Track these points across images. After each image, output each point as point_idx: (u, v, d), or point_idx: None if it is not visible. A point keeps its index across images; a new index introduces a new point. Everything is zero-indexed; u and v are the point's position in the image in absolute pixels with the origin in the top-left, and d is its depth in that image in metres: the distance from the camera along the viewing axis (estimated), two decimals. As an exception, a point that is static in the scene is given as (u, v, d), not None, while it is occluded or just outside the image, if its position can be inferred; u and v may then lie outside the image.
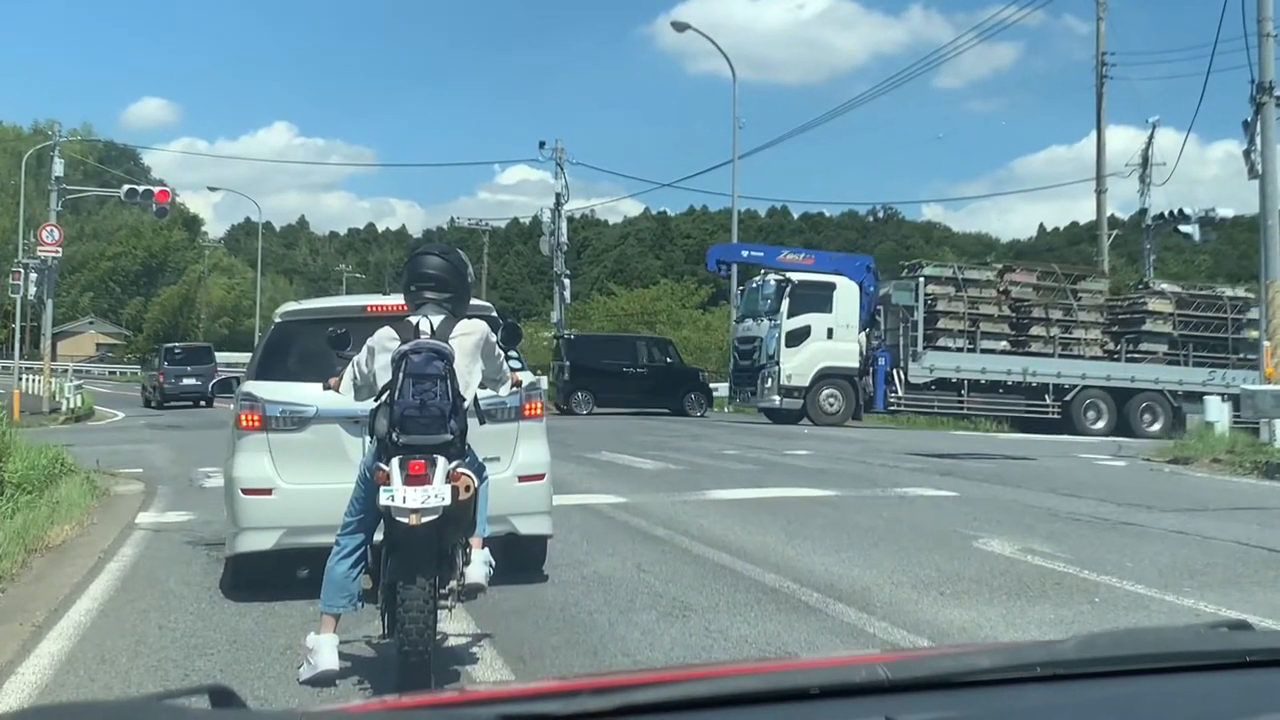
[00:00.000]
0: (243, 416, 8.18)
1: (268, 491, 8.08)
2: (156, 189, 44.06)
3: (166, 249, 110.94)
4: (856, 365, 32.84)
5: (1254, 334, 34.64)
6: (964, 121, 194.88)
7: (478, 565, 6.29)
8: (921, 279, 33.56)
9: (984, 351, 33.49)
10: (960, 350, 33.44)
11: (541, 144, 51.39)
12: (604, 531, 11.43)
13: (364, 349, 6.36)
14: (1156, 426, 33.17)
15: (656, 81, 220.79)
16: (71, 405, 37.81)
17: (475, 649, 6.85)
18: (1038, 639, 6.57)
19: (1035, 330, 34.29)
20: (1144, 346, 34.77)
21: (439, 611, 6.06)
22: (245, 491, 8.11)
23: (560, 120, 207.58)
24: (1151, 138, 40.49)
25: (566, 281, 50.13)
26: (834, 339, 32.70)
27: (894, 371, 33.00)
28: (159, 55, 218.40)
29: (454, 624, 7.08)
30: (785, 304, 32.70)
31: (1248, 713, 1.42)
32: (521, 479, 8.47)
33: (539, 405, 8.74)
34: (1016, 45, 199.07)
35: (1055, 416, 33.28)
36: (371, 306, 8.26)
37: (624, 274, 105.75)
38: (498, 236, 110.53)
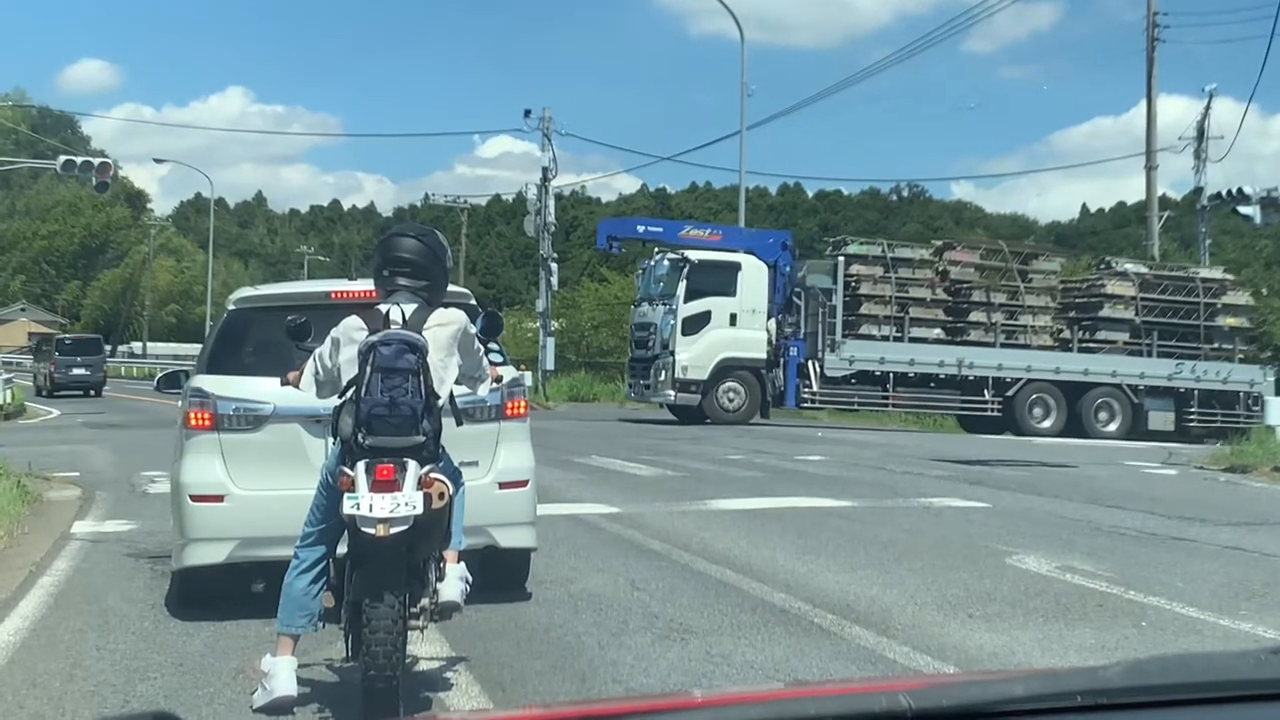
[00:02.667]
0: (191, 414, 8.17)
1: (219, 498, 8.07)
2: (97, 160, 43.99)
3: (108, 228, 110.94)
4: (763, 356, 32.18)
5: (1231, 320, 34.61)
6: (998, 90, 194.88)
7: (452, 581, 6.28)
8: (842, 259, 33.12)
9: (914, 341, 33.09)
10: (886, 339, 32.95)
11: (527, 112, 51.32)
12: (594, 545, 11.43)
13: (327, 340, 6.35)
14: (1113, 426, 32.93)
15: (655, 43, 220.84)
16: (0, 402, 37.79)
17: (449, 674, 6.85)
18: (1078, 665, 6.58)
19: (975, 316, 33.91)
20: (1101, 335, 34.41)
21: (409, 633, 6.06)
22: (194, 498, 8.10)
23: (548, 86, 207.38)
24: (1208, 108, 40.59)
25: (554, 266, 49.98)
26: (738, 326, 31.99)
27: (809, 363, 32.58)
28: (99, 11, 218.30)
29: (426, 646, 7.08)
30: (682, 286, 31.89)
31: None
32: (502, 486, 8.46)
33: (522, 404, 8.74)
34: (1057, 4, 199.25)
35: (995, 414, 33.01)
36: (336, 293, 8.26)
37: (618, 258, 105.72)
38: (477, 215, 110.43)
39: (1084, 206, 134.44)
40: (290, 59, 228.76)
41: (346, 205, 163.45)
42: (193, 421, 8.16)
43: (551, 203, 50.94)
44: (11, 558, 10.62)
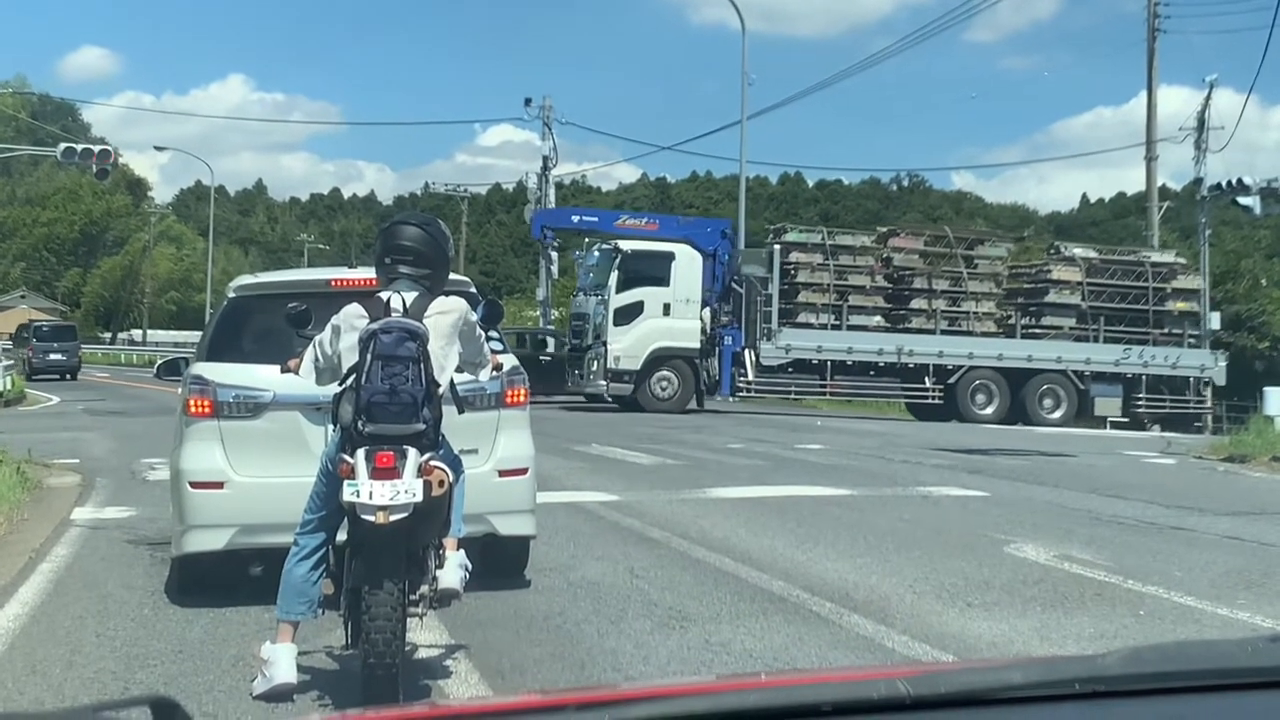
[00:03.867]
0: (191, 402, 8.17)
1: (219, 485, 8.07)
2: (97, 148, 43.88)
3: (108, 215, 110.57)
4: (697, 345, 32.04)
5: (1181, 305, 34.52)
6: (999, 80, 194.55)
7: (452, 569, 6.28)
8: (777, 247, 33.01)
9: (853, 329, 33.07)
10: (824, 327, 32.95)
11: (527, 101, 51.39)
12: (593, 533, 11.44)
13: (328, 328, 6.34)
14: (1058, 413, 32.85)
15: (656, 32, 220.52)
16: (0, 388, 37.76)
17: (448, 661, 6.85)
18: (1076, 654, 6.58)
19: (917, 304, 33.89)
20: (1047, 320, 34.36)
21: (408, 620, 6.06)
22: (194, 485, 8.09)
23: (548, 75, 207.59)
24: (1209, 99, 40.45)
25: (554, 254, 49.96)
26: (671, 316, 31.75)
27: (745, 352, 32.53)
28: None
29: (425, 634, 7.08)
30: (614, 276, 31.74)
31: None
32: (502, 474, 8.46)
33: (522, 392, 8.73)
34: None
35: (937, 401, 32.98)
36: (336, 281, 8.25)
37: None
38: (478, 204, 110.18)
39: (1084, 197, 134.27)
40: (291, 47, 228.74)
41: (347, 194, 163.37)
42: (193, 409, 8.15)
43: (552, 191, 50.99)
44: (11, 544, 10.61)
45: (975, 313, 34.02)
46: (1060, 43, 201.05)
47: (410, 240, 6.33)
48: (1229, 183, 37.59)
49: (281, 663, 6.09)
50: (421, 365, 5.96)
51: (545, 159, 50.57)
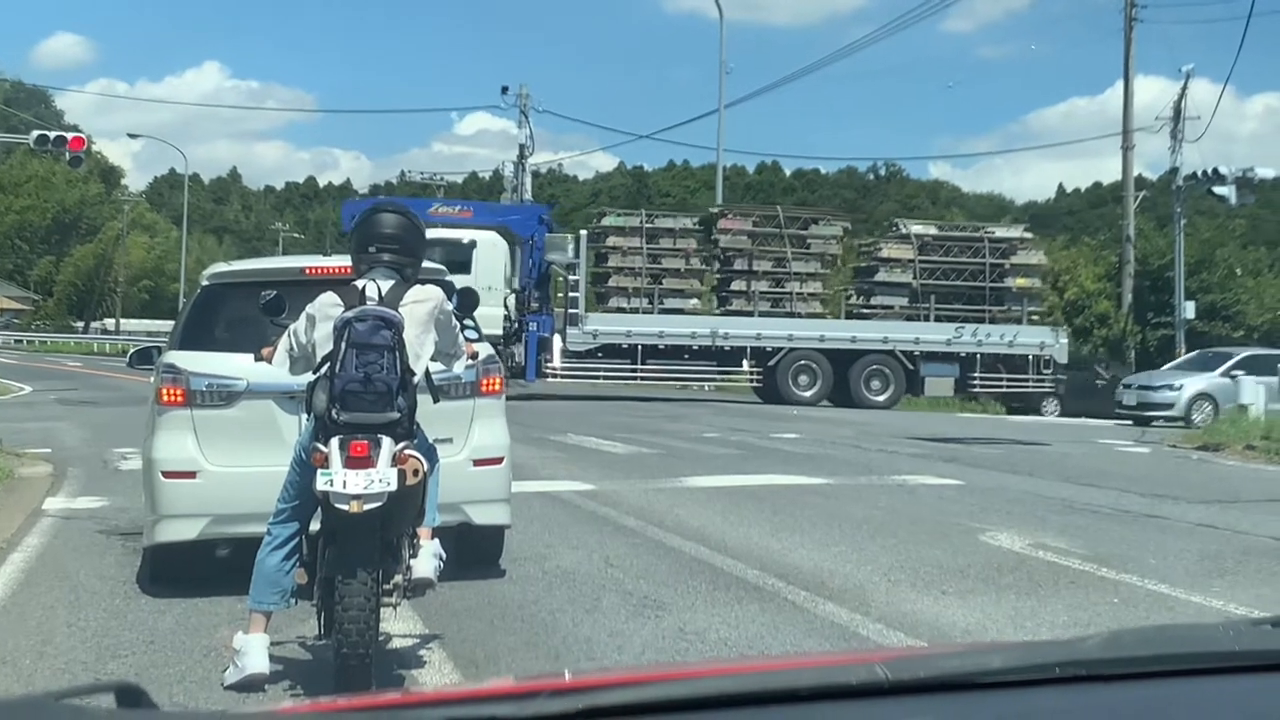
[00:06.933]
0: (164, 390, 8.12)
1: (191, 475, 8.03)
2: (70, 135, 43.38)
3: (81, 203, 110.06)
4: (499, 332, 31.33)
5: (1021, 281, 34.57)
6: (975, 70, 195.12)
7: (426, 558, 6.26)
8: (583, 233, 33.07)
9: (669, 312, 33.03)
10: (635, 311, 32.92)
11: (504, 89, 51.33)
12: (568, 522, 11.43)
13: (302, 316, 6.31)
14: (886, 394, 32.88)
15: (633, 20, 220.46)
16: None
17: (423, 651, 6.83)
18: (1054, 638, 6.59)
19: (737, 285, 33.83)
20: (877, 300, 34.33)
21: (382, 610, 6.03)
22: (166, 474, 8.05)
23: (525, 63, 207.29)
24: (1185, 89, 40.55)
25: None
26: None
27: (554, 337, 32.47)
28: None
29: (399, 623, 7.06)
30: None
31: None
32: (477, 463, 8.45)
33: (498, 381, 8.71)
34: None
35: (757, 384, 32.98)
36: (311, 268, 8.21)
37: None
38: (454, 192, 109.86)
39: (1060, 186, 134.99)
40: (266, 34, 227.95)
41: (322, 182, 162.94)
42: (165, 397, 8.10)
43: (528, 180, 50.87)
44: (-18, 534, 10.55)
45: (800, 294, 33.87)
46: (1036, 32, 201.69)
47: (392, 228, 6.33)
48: (1205, 172, 37.70)
49: (254, 653, 6.06)
50: (396, 353, 5.93)
51: (522, 147, 50.48)
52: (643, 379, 33.15)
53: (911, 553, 10.00)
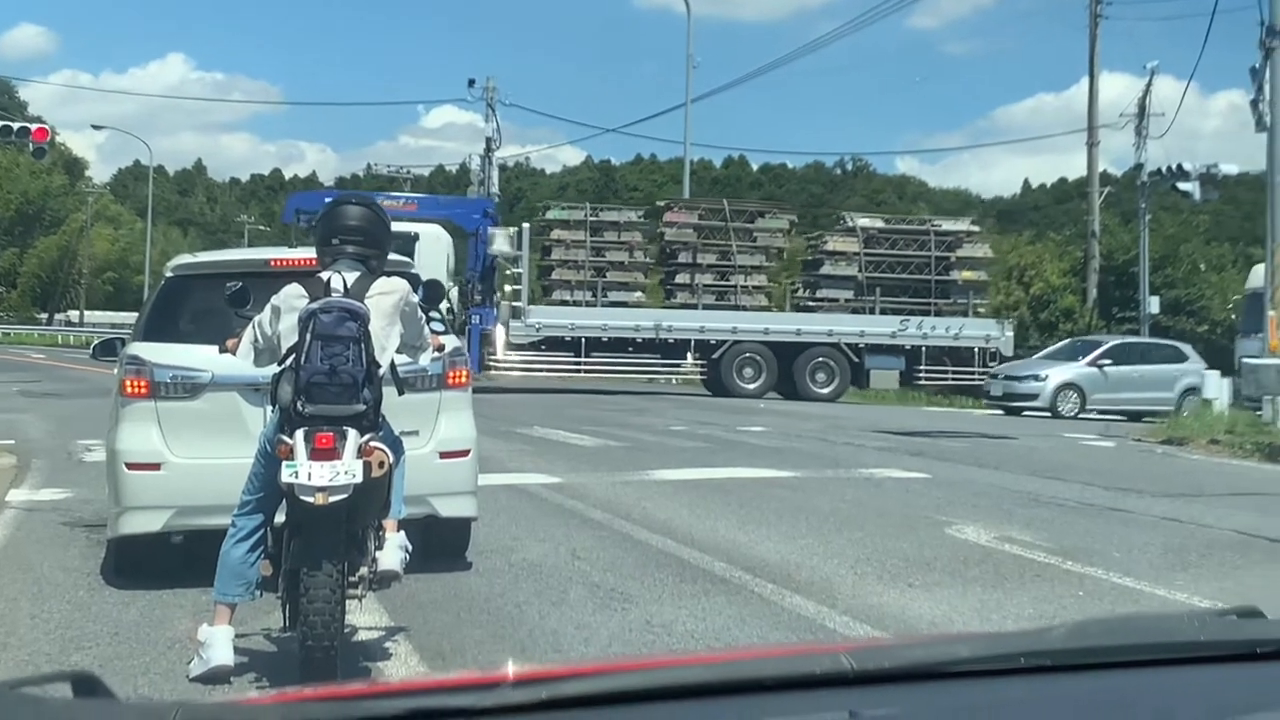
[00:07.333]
0: (127, 382, 8.08)
1: (155, 466, 7.99)
2: (34, 126, 43.25)
3: (45, 194, 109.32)
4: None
5: (967, 274, 34.77)
6: (942, 65, 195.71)
7: (392, 550, 6.24)
8: (526, 226, 33.12)
9: (614, 305, 33.12)
10: (579, 304, 33.03)
11: (471, 82, 51.08)
12: (535, 515, 11.41)
13: (267, 308, 6.28)
14: (831, 386, 32.93)
15: (601, 14, 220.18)
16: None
17: (388, 644, 6.81)
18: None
19: (681, 278, 33.95)
20: (823, 293, 34.48)
21: (347, 602, 6.01)
22: (130, 466, 8.01)
23: (492, 56, 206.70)
24: (1149, 85, 40.71)
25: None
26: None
27: (497, 329, 32.62)
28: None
29: (364, 616, 7.04)
30: None
31: (1259, 708, 1.41)
32: (443, 455, 8.43)
33: (464, 373, 8.70)
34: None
35: (701, 376, 33.15)
36: (276, 260, 8.18)
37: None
38: (420, 185, 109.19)
39: (1026, 182, 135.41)
40: (232, 25, 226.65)
41: (288, 174, 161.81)
42: (129, 389, 8.06)
43: (495, 173, 50.60)
44: (-56, 526, 10.48)
45: (745, 286, 33.97)
46: (1002, 28, 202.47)
47: (358, 220, 6.33)
48: (1169, 168, 37.82)
49: (218, 645, 6.03)
50: (362, 345, 5.92)
51: (489, 140, 50.22)
52: (586, 372, 33.17)
53: (878, 545, 10.02)
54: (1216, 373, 26.11)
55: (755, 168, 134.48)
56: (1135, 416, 28.75)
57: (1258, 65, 22.70)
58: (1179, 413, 26.35)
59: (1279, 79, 22.43)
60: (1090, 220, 42.58)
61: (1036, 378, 30.12)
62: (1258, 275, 32.58)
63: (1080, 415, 29.21)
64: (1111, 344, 31.62)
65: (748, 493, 12.98)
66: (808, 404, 31.34)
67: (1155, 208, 41.99)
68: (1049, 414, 28.90)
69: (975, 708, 1.57)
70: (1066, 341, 33.68)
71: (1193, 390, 29.77)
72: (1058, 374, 30.07)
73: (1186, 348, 32.73)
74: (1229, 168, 36.21)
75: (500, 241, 32.71)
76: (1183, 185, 36.73)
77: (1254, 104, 22.86)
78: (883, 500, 12.88)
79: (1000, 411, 30.02)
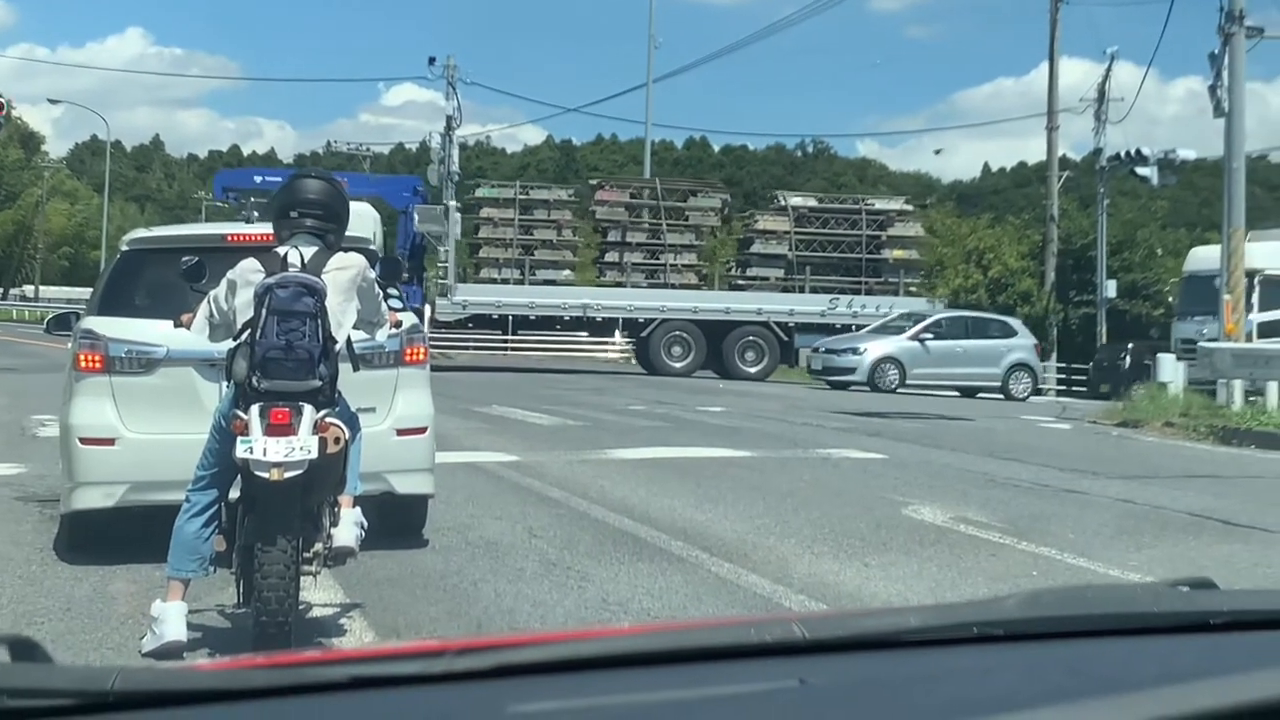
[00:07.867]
0: (82, 356, 8.02)
1: (110, 441, 7.93)
2: (-12, 100, 42.93)
3: (0, 169, 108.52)
4: None
5: (899, 253, 35.01)
6: (902, 49, 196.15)
7: (347, 526, 6.22)
8: (452, 204, 33.36)
9: (542, 283, 33.28)
10: (507, 282, 33.16)
11: (431, 60, 50.72)
12: (492, 492, 11.39)
13: (223, 283, 6.24)
14: (760, 365, 33.06)
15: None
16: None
17: (343, 620, 6.79)
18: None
19: (610, 257, 34.23)
20: (754, 271, 34.63)
21: (302, 578, 5.98)
22: (84, 441, 7.95)
23: (453, 34, 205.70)
24: (1109, 71, 40.88)
25: (457, 215, 49.74)
26: None
27: (424, 308, 32.50)
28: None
29: (319, 592, 7.00)
30: None
31: (1211, 676, 1.40)
32: (400, 432, 8.40)
33: (422, 350, 8.67)
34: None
35: (628, 355, 33.39)
36: (232, 235, 8.15)
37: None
38: (380, 163, 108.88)
39: (986, 166, 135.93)
40: (191, 1, 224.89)
41: (246, 151, 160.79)
42: (83, 363, 8.01)
43: (456, 152, 50.32)
44: (-105, 501, 10.37)
45: (675, 265, 34.05)
46: (963, 13, 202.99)
47: (316, 194, 6.31)
48: (1128, 153, 38.02)
49: (171, 620, 5.98)
50: (318, 321, 5.89)
51: (449, 119, 49.96)
52: (513, 350, 33.11)
53: (835, 525, 10.05)
54: (1171, 356, 26.26)
55: (717, 149, 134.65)
56: (969, 392, 28.85)
57: (1216, 51, 22.82)
58: (1005, 388, 26.64)
59: (1238, 65, 22.58)
60: (1049, 204, 42.69)
61: (855, 351, 30.05)
62: (1195, 258, 32.87)
63: (899, 389, 29.14)
64: (936, 317, 31.56)
65: (705, 472, 13.00)
66: (766, 384, 31.42)
67: (1114, 192, 42.20)
68: (869, 388, 28.85)
69: (928, 676, 1.56)
70: (898, 313, 33.58)
71: (1020, 366, 29.97)
72: (876, 347, 29.96)
73: (1017, 323, 32.78)
74: (1187, 153, 36.44)
75: (430, 219, 32.64)
76: (1141, 170, 36.94)
77: (1212, 89, 22.99)
78: (840, 480, 12.91)
79: (826, 386, 29.96)
